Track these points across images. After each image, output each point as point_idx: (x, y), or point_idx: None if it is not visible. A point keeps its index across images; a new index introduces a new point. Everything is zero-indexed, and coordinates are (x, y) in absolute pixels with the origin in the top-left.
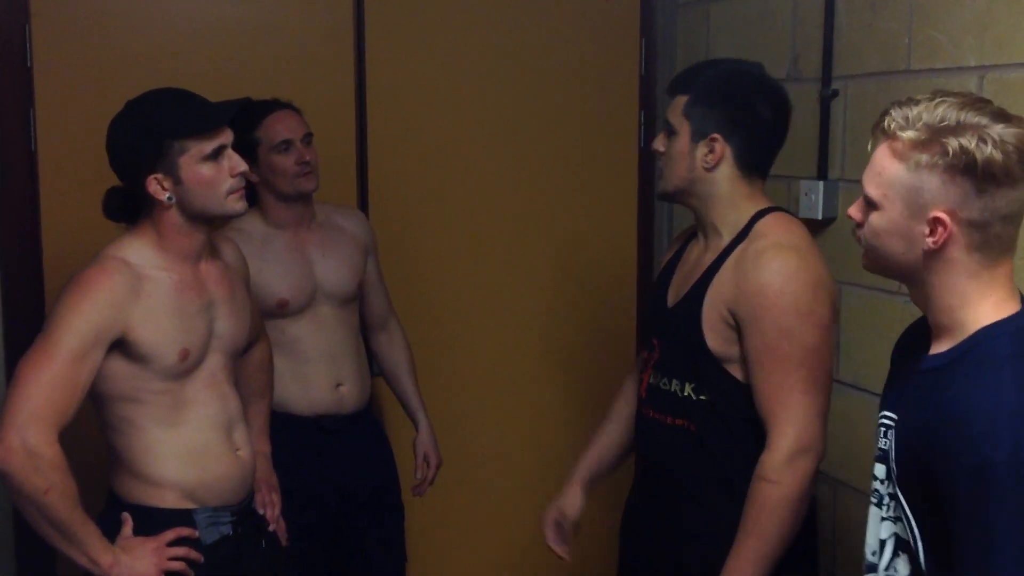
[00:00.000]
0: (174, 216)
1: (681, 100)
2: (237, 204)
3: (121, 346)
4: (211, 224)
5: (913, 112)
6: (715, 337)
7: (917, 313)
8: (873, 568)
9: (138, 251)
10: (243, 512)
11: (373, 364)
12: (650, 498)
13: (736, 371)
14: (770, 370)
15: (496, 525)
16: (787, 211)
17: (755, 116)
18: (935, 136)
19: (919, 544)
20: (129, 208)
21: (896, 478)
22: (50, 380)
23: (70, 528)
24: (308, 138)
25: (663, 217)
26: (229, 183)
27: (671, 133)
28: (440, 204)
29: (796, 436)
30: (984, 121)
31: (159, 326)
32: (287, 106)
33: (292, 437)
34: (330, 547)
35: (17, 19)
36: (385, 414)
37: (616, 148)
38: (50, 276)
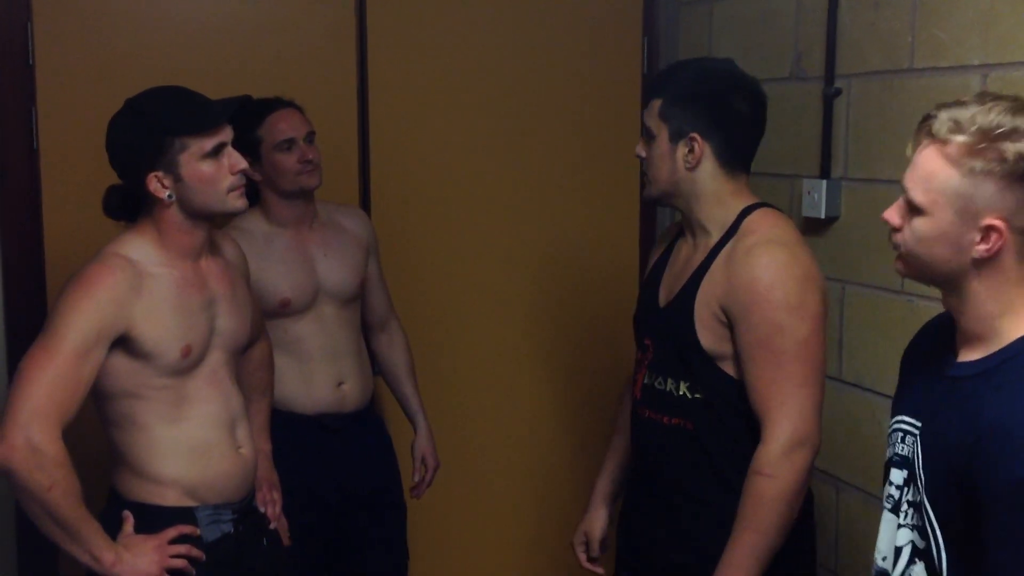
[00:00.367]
0: (174, 214)
1: (656, 103)
2: (237, 201)
3: (123, 343)
4: (211, 221)
5: (964, 115)
6: (708, 335)
7: (919, 312)
8: (884, 574)
9: (139, 248)
10: (244, 510)
11: (374, 364)
12: (648, 497)
13: (729, 368)
14: (763, 365)
15: (497, 524)
16: (773, 206)
17: (731, 111)
18: (991, 142)
19: (943, 554)
20: (129, 206)
21: (924, 486)
22: (53, 378)
23: (73, 525)
24: (310, 136)
25: (665, 217)
26: (229, 180)
27: (650, 137)
28: (442, 203)
29: (792, 429)
30: None
31: (161, 323)
32: (289, 104)
33: (294, 436)
34: (331, 546)
35: (19, 17)
36: (387, 413)
37: (618, 148)
38: (52, 274)
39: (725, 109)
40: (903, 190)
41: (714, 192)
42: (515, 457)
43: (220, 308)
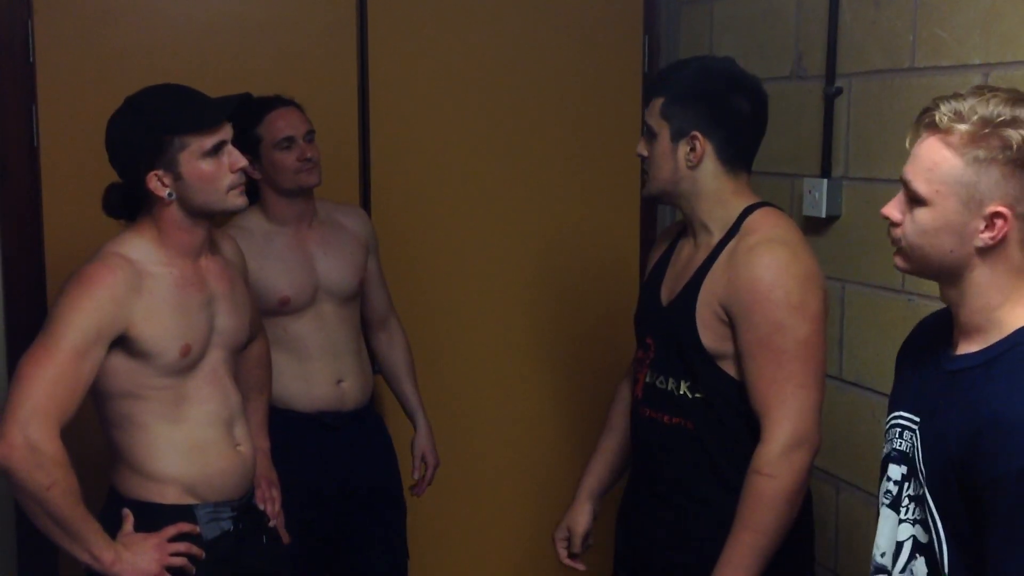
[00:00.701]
0: (174, 212)
1: (658, 102)
2: (237, 200)
3: (122, 342)
4: (211, 219)
5: (965, 106)
6: (709, 334)
7: (919, 311)
8: (883, 570)
9: (139, 247)
10: (244, 508)
11: (374, 362)
12: (648, 497)
13: (730, 368)
14: (764, 364)
15: (497, 522)
16: (775, 205)
17: (732, 109)
18: (994, 130)
19: (944, 547)
20: (129, 204)
21: (925, 480)
22: (52, 377)
23: (72, 524)
24: (310, 135)
25: (665, 216)
26: (229, 179)
27: (651, 136)
28: (442, 202)
29: (792, 429)
30: None
31: (160, 322)
32: (289, 103)
33: (294, 433)
34: (331, 543)
35: (19, 15)
36: (387, 412)
37: (619, 147)
38: (52, 272)
39: (726, 108)
40: (904, 183)
41: (716, 191)
42: (515, 455)
43: (219, 307)
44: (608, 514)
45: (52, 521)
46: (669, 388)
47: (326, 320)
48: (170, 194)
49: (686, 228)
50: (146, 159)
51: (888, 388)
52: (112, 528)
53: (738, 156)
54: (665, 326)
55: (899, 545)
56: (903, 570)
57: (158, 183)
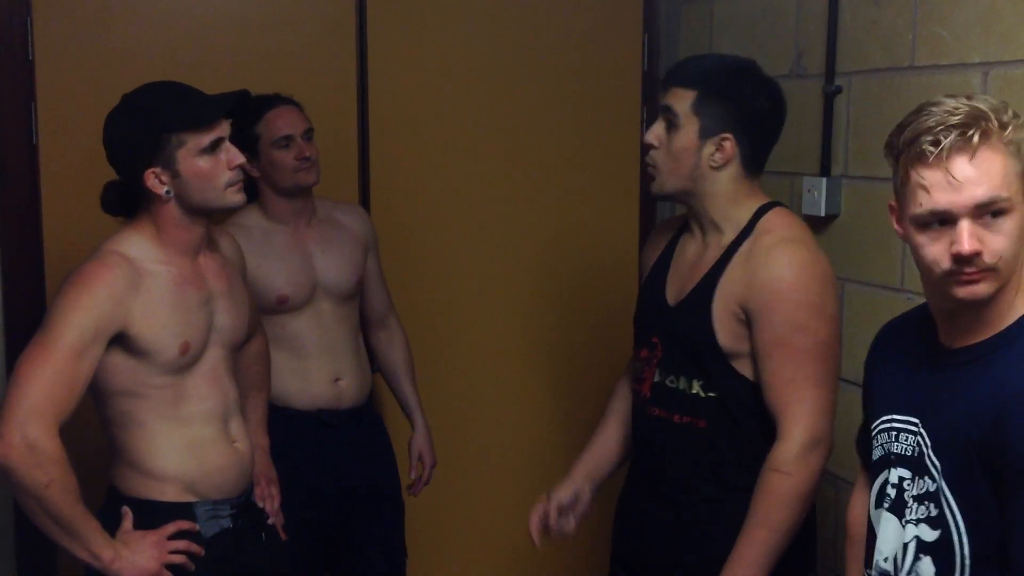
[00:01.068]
0: (173, 210)
1: (688, 94)
2: (236, 197)
3: (121, 341)
4: (210, 217)
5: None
6: (725, 334)
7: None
8: (888, 575)
9: (137, 245)
10: (243, 505)
11: (373, 361)
12: (648, 496)
13: (744, 367)
14: (782, 363)
15: (495, 522)
16: (785, 206)
17: (763, 115)
18: (1010, 118)
19: (964, 539)
20: (128, 202)
21: (941, 475)
22: (50, 375)
23: (71, 523)
24: (309, 133)
25: (665, 214)
26: (227, 176)
27: (673, 127)
28: (442, 200)
29: (809, 428)
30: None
31: (159, 320)
32: (288, 101)
33: (292, 431)
34: (329, 541)
35: (19, 13)
36: (385, 410)
37: (618, 144)
38: (51, 270)
39: (758, 113)
40: (973, 209)
41: (732, 192)
42: (513, 455)
43: (218, 304)
44: (606, 514)
45: (51, 519)
46: (681, 387)
47: (324, 318)
48: (168, 192)
49: (686, 225)
50: (144, 157)
51: None
52: (112, 526)
53: (758, 161)
54: (674, 325)
55: (904, 547)
56: (909, 572)
57: (156, 181)
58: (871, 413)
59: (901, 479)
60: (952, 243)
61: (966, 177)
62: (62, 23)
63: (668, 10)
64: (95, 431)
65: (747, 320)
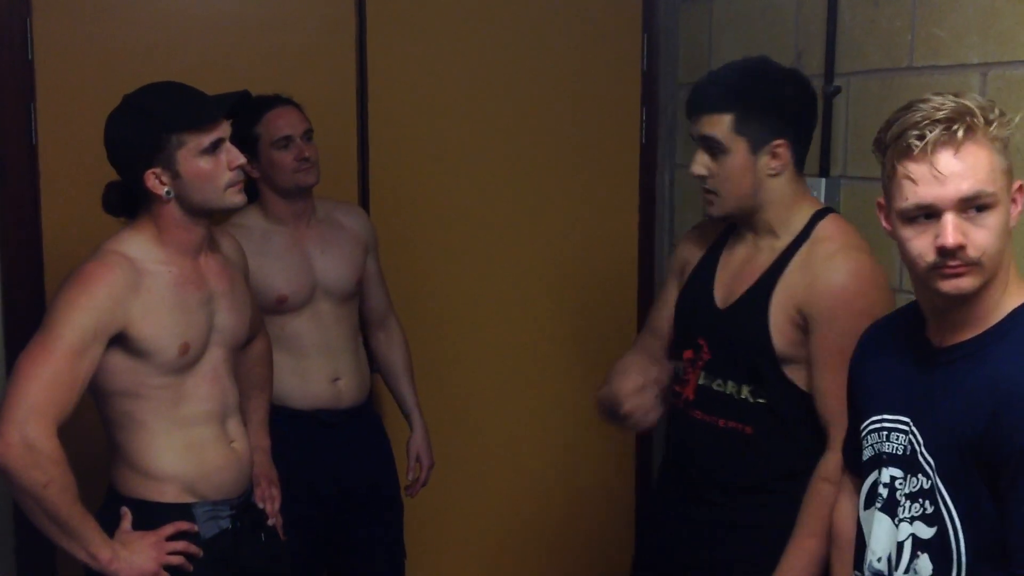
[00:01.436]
0: (173, 210)
1: (722, 118)
2: (236, 197)
3: (121, 341)
4: (210, 217)
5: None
6: (782, 339)
7: None
8: (882, 574)
9: (138, 245)
10: (242, 506)
11: (372, 362)
12: (681, 498)
13: (794, 373)
14: (838, 372)
15: (494, 523)
16: (838, 212)
17: (804, 106)
18: (996, 116)
19: (960, 535)
20: (128, 203)
21: (936, 472)
22: (49, 375)
23: (69, 523)
24: (308, 134)
25: (664, 215)
26: (228, 176)
27: (721, 153)
28: (441, 201)
29: None
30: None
31: (159, 320)
32: (288, 101)
33: (291, 431)
34: (328, 541)
35: (18, 13)
36: (385, 410)
37: (618, 144)
38: (51, 270)
39: (802, 113)
40: (958, 202)
41: (788, 195)
42: (512, 455)
43: (219, 305)
44: (608, 519)
45: (49, 519)
46: (728, 391)
47: (323, 318)
48: (168, 192)
49: (733, 228)
50: (144, 157)
51: None
52: (111, 526)
53: (803, 158)
54: (725, 328)
55: (899, 546)
56: (906, 570)
57: (156, 181)
58: (859, 414)
59: (893, 478)
60: (936, 236)
61: (951, 171)
62: (62, 23)
63: (667, 10)
64: (95, 431)
65: (805, 325)
